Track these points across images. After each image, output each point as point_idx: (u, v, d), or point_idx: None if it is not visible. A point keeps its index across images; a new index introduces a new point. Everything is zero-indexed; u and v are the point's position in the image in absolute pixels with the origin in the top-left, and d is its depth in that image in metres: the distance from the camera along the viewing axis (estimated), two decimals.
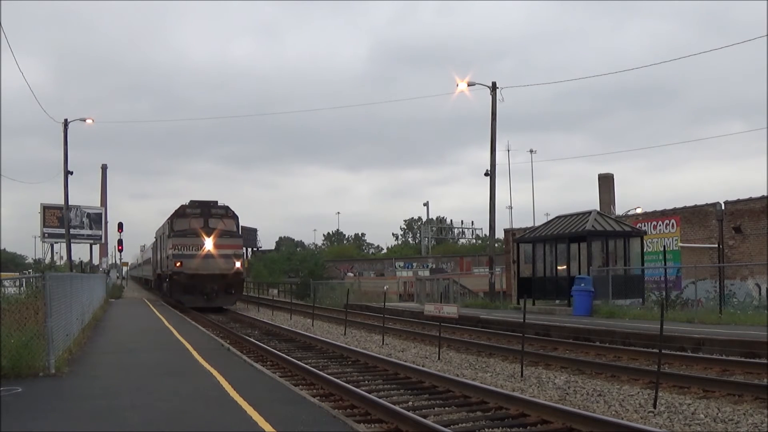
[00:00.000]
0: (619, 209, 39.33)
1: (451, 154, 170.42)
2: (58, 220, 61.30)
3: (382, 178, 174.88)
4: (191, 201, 31.51)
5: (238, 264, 30.49)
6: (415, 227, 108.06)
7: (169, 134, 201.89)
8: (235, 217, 31.69)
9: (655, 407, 9.11)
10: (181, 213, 31.05)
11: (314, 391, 10.40)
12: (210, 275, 29.43)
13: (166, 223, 33.02)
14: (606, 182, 42.68)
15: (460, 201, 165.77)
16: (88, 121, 41.54)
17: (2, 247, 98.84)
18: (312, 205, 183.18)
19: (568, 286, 23.59)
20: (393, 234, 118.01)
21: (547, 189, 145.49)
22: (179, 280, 29.45)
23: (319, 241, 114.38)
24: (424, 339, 18.74)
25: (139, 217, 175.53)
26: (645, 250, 26.17)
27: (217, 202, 31.61)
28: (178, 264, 29.43)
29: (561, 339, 17.27)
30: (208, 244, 29.65)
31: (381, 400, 9.11)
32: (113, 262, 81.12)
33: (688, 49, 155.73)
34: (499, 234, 39.75)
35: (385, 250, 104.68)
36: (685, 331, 15.65)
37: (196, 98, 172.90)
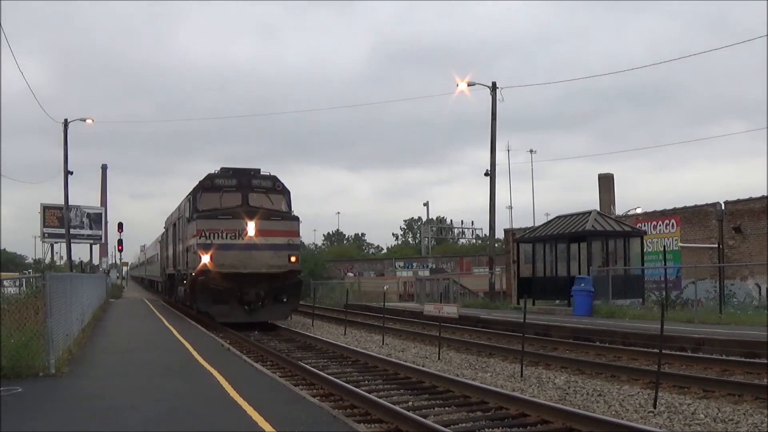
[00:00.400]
0: (619, 209, 39.32)
1: (451, 154, 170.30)
2: (58, 220, 61.21)
3: (382, 178, 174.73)
4: (223, 168, 22.48)
5: (293, 258, 21.52)
6: (415, 227, 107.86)
7: (169, 134, 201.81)
8: (285, 192, 22.58)
9: (655, 407, 9.11)
10: (208, 186, 21.89)
11: (314, 391, 10.42)
12: (253, 275, 20.70)
13: (185, 202, 24.16)
14: (606, 182, 42.69)
15: (460, 201, 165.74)
16: (88, 121, 41.52)
17: (2, 247, 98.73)
18: (312, 205, 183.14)
19: (568, 286, 23.60)
20: (393, 234, 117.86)
21: (547, 189, 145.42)
22: (207, 283, 20.46)
23: (319, 241, 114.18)
24: (424, 339, 18.74)
25: (139, 217, 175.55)
26: (645, 250, 26.18)
27: (259, 170, 22.70)
28: (205, 258, 20.46)
29: (561, 339, 17.27)
30: (251, 229, 20.78)
31: (381, 400, 9.12)
32: (113, 262, 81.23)
33: (689, 49, 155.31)
34: (499, 234, 39.77)
35: (385, 250, 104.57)
36: (685, 331, 15.65)
37: (196, 98, 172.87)
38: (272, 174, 22.69)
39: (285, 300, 21.52)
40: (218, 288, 20.43)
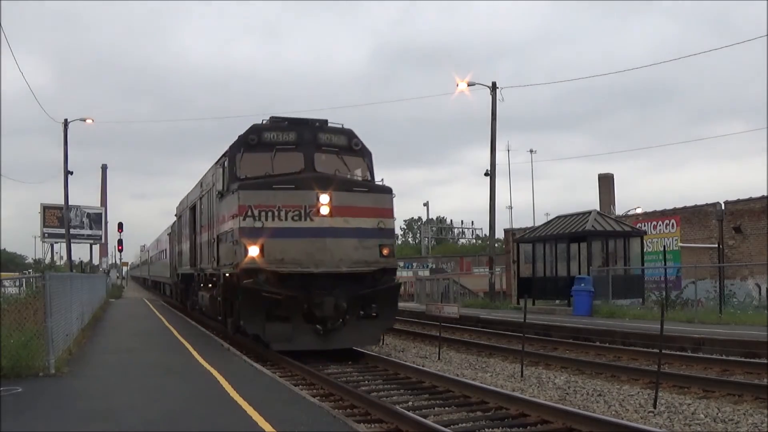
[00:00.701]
0: (619, 209, 39.37)
1: (451, 154, 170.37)
2: (58, 220, 61.20)
3: (382, 178, 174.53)
4: (274, 118, 14.94)
5: (386, 251, 14.04)
6: (415, 227, 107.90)
7: (168, 134, 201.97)
8: (365, 154, 15.25)
9: (655, 407, 9.11)
10: (254, 142, 14.39)
11: (314, 391, 10.40)
12: (328, 276, 13.55)
13: (214, 170, 16.55)
14: (606, 182, 42.75)
15: (460, 201, 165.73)
16: (88, 121, 41.53)
17: (2, 247, 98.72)
18: None
19: (568, 286, 23.60)
20: None
21: (547, 189, 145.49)
22: (257, 288, 13.16)
23: None
24: (424, 339, 18.74)
25: (139, 217, 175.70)
26: (645, 250, 26.19)
27: (326, 121, 15.11)
28: (253, 250, 13.17)
29: (561, 339, 17.26)
30: (324, 206, 13.53)
31: (381, 400, 9.12)
32: (113, 262, 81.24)
33: (689, 49, 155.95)
34: (499, 234, 39.81)
35: None
36: (685, 331, 15.65)
37: (196, 98, 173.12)
38: (346, 127, 15.22)
39: (375, 315, 13.97)
40: (274, 297, 13.20)
